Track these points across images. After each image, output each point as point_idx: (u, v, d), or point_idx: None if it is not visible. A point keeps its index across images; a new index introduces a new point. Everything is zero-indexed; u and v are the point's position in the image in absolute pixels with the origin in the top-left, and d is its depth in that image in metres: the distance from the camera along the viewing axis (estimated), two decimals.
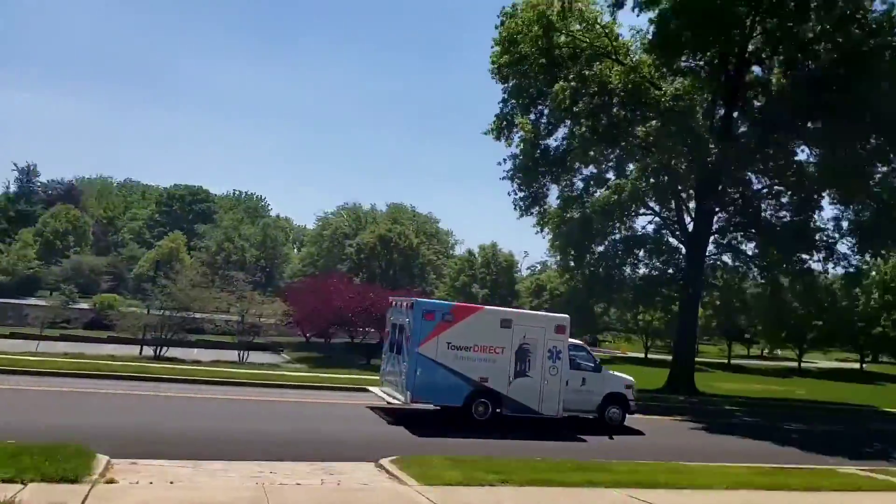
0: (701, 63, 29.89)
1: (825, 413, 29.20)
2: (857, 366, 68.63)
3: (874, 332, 60.22)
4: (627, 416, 17.42)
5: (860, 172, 27.49)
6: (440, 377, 14.88)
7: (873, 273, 40.51)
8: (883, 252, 33.73)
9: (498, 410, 15.49)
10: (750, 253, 34.36)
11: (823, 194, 30.55)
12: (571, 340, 16.99)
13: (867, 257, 32.59)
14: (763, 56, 30.12)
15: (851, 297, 46.87)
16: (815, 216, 31.87)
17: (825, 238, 31.81)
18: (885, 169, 29.54)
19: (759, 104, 30.74)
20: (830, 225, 31.99)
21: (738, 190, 31.84)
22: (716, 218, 32.67)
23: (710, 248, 33.58)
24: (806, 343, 64.44)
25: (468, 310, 16.55)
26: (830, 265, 32.67)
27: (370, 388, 17.93)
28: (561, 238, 33.53)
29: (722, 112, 31.08)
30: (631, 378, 18.16)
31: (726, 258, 35.56)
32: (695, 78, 29.75)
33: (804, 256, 31.63)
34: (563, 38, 30.01)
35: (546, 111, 32.56)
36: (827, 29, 25.74)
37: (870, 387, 52.30)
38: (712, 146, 27.08)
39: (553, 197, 33.86)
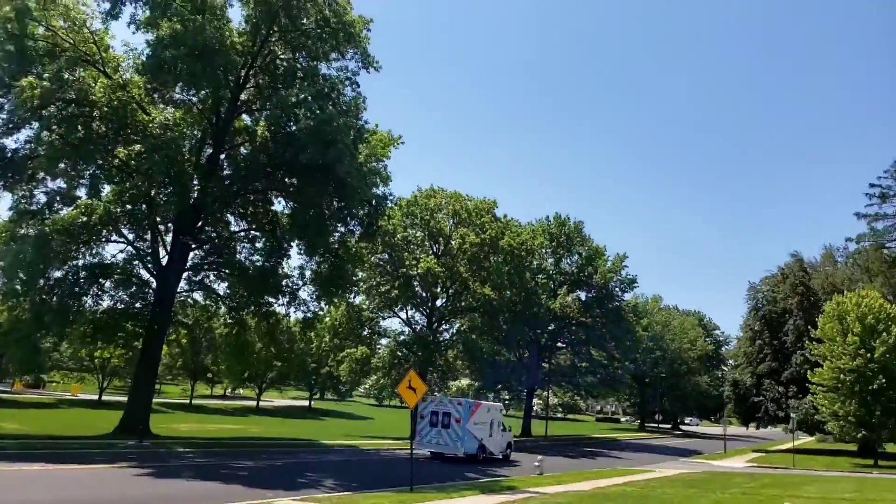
0: (195, 99, 31.22)
1: (274, 448, 32.86)
2: (307, 403, 79.20)
3: (323, 371, 70.99)
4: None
5: (323, 229, 32.71)
6: (468, 436, 30.14)
7: (326, 318, 47.96)
8: (335, 300, 40.61)
9: (481, 454, 31.07)
10: (221, 292, 36.74)
11: (293, 244, 35.08)
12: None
13: (322, 304, 38.60)
14: (254, 107, 33.43)
15: (307, 340, 54.54)
16: (284, 263, 36.25)
17: (290, 284, 36.41)
18: (343, 229, 35.96)
19: (245, 151, 33.72)
20: (296, 272, 36.83)
21: (217, 230, 33.96)
22: (191, 255, 33.90)
23: (183, 284, 34.55)
24: (266, 382, 71.32)
25: (478, 404, 32.75)
26: (292, 309, 37.49)
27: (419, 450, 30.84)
28: (8, 257, 29.46)
29: (210, 151, 32.86)
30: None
31: (198, 296, 37.14)
32: (187, 112, 30.91)
33: (270, 299, 35.58)
34: (40, 30, 27.33)
35: (8, 105, 28.73)
36: (308, 99, 30.22)
37: (316, 422, 61.04)
38: (196, 183, 28.35)
39: (4, 207, 29.70)
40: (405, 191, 61.21)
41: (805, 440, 71.06)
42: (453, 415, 30.19)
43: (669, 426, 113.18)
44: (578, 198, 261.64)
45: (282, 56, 33.37)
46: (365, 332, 52.22)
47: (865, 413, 39.71)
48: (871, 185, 49.71)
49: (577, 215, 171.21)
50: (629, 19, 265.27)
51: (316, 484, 20.99)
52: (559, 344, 68.09)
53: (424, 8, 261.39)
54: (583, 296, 65.64)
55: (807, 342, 46.74)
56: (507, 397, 78.81)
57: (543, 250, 65.25)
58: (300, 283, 36.64)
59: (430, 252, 51.91)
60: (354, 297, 48.11)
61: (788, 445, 53.66)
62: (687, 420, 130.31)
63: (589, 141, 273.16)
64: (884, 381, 38.85)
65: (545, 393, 73.95)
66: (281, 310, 37.38)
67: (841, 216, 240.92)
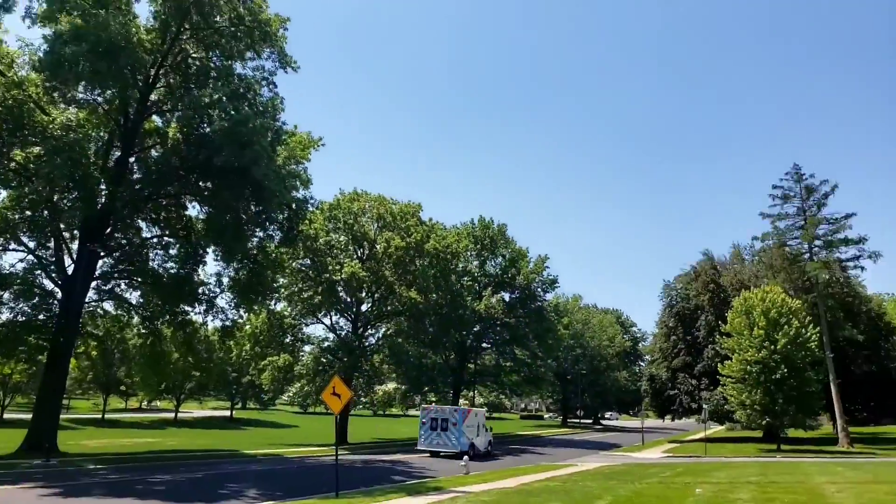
0: (100, 99, 29.73)
1: (193, 461, 31.66)
2: (228, 413, 76.90)
3: (244, 380, 69.12)
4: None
5: (241, 234, 31.77)
6: (463, 437, 36.10)
7: (247, 326, 46.67)
8: (255, 308, 39.52)
9: (472, 452, 34.95)
10: (134, 301, 35.09)
11: (209, 250, 33.91)
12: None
13: (242, 311, 37.47)
14: (165, 108, 32.09)
15: (226, 349, 52.92)
16: (200, 270, 35.01)
17: (207, 291, 35.18)
18: (261, 233, 35.02)
19: (156, 154, 32.36)
20: (213, 280, 35.62)
21: (128, 236, 32.44)
22: (100, 263, 32.25)
23: (91, 294, 32.80)
24: (184, 393, 68.79)
25: (469, 410, 38.94)
26: (210, 318, 36.21)
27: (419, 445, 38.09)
28: None
29: (118, 154, 31.38)
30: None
31: (108, 306, 35.38)
32: (92, 112, 29.39)
33: (187, 308, 34.25)
34: None
35: None
36: (223, 99, 29.29)
37: (238, 432, 59.30)
38: (103, 187, 27.01)
39: None
40: (327, 195, 60.74)
41: (716, 429, 74.39)
42: (450, 420, 37.29)
43: (591, 421, 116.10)
44: (502, 200, 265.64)
45: (194, 55, 32.22)
46: (287, 340, 51.10)
47: (769, 401, 41.91)
48: (774, 187, 52.46)
49: (500, 217, 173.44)
50: (548, 19, 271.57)
51: (238, 495, 20.37)
52: (484, 344, 68.79)
53: (346, 10, 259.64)
54: (507, 297, 66.57)
55: (717, 336, 48.89)
56: (433, 399, 79.00)
57: (468, 253, 65.80)
58: (217, 290, 35.50)
59: (355, 256, 51.32)
60: (275, 304, 46.98)
61: (701, 435, 55.95)
62: (607, 414, 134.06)
63: (511, 143, 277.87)
64: (786, 370, 41.11)
65: (471, 393, 74.47)
66: (198, 318, 36.07)
67: (749, 216, 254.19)
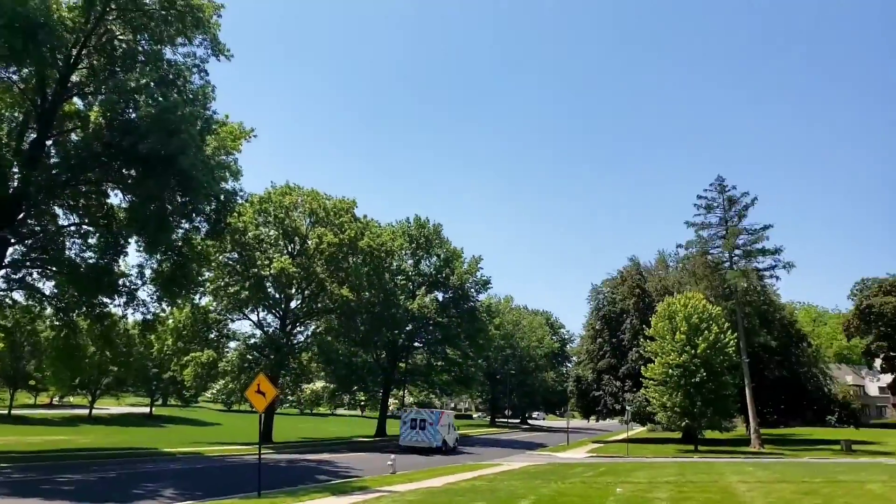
0: (15, 77, 28.09)
1: (107, 459, 30.39)
2: (147, 410, 74.16)
3: (165, 376, 66.75)
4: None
5: (166, 225, 30.57)
6: (438, 436, 41.76)
7: (169, 321, 45.03)
8: (179, 301, 38.13)
9: (444, 447, 41.90)
10: (47, 292, 33.34)
11: (131, 240, 32.49)
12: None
13: (164, 305, 36.09)
14: (87, 91, 30.55)
15: (147, 344, 50.92)
16: (121, 261, 33.48)
17: (128, 284, 33.71)
18: (187, 225, 33.79)
19: (77, 138, 30.76)
20: (134, 271, 34.13)
21: (42, 223, 30.76)
22: (11, 250, 30.44)
23: (0, 283, 31.01)
24: (100, 389, 65.91)
25: (442, 412, 44.75)
26: (130, 311, 34.72)
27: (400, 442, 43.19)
28: None
29: (34, 136, 29.68)
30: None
31: (18, 296, 33.43)
32: (5, 91, 27.72)
33: (105, 300, 32.73)
34: None
35: None
36: (150, 84, 28.15)
37: (157, 429, 57.26)
38: (16, 170, 25.53)
39: None
40: (259, 188, 59.22)
41: (638, 430, 76.68)
42: (427, 420, 43.37)
43: (518, 421, 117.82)
44: (437, 200, 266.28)
45: (121, 37, 30.77)
46: (212, 335, 49.60)
47: (689, 404, 43.49)
48: (699, 197, 54.50)
49: (436, 218, 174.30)
50: (483, 21, 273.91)
51: (154, 495, 19.69)
52: (416, 344, 68.71)
53: (283, 3, 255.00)
54: (440, 296, 66.69)
55: (642, 340, 50.39)
56: (362, 398, 78.45)
57: (403, 252, 65.60)
58: (139, 282, 34.04)
59: (285, 252, 50.27)
60: (200, 299, 45.54)
61: (623, 436, 57.56)
62: (534, 414, 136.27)
63: (447, 145, 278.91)
64: (705, 374, 42.76)
65: (401, 392, 74.30)
66: (118, 311, 34.52)
67: (676, 224, 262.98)
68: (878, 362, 64.12)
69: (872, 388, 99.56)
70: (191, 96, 30.42)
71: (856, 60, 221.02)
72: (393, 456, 28.90)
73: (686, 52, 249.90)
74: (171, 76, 29.66)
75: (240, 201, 36.96)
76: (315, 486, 22.00)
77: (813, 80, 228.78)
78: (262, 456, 22.48)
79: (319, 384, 70.83)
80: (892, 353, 59.19)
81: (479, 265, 68.91)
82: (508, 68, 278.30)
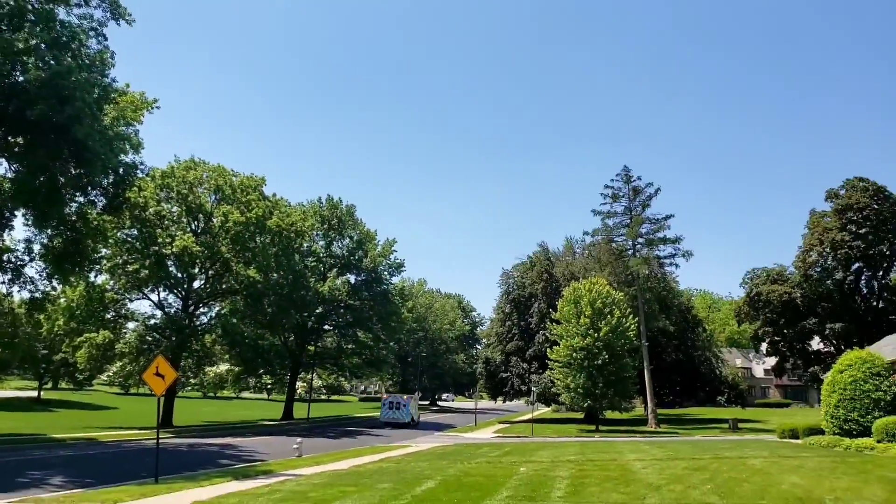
0: None
1: None
2: (35, 393, 70.03)
3: (56, 358, 63.17)
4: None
5: (58, 198, 28.83)
6: (409, 414, 53.84)
7: (61, 300, 42.60)
8: (72, 279, 36.13)
9: (412, 422, 53.98)
10: None
11: (17, 213, 30.49)
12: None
13: (55, 283, 34.12)
14: None
15: (35, 324, 47.97)
16: (6, 235, 31.38)
17: (14, 259, 31.67)
18: (82, 199, 32.00)
19: None
20: (21, 246, 32.10)
21: None
22: None
23: None
24: None
25: (411, 397, 57.50)
26: (16, 288, 32.66)
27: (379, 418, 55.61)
28: None
29: None
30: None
31: None
32: None
33: None
34: None
35: None
36: (42, 47, 26.33)
37: (46, 414, 54.24)
38: None
39: None
40: (161, 162, 56.39)
41: (543, 411, 79.13)
42: (402, 403, 54.88)
43: (428, 402, 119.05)
44: (350, 181, 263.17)
45: None
46: (109, 316, 47.32)
47: (591, 385, 45.22)
48: (606, 186, 56.28)
49: (349, 199, 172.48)
50: (397, 5, 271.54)
51: (40, 483, 18.69)
52: (326, 327, 68.07)
53: None
54: (352, 279, 66.27)
55: (548, 323, 51.90)
56: (269, 381, 76.99)
57: (314, 233, 64.59)
58: (27, 258, 32.05)
59: (188, 229, 48.43)
60: (96, 277, 43.37)
61: (529, 416, 59.29)
62: (444, 396, 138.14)
63: (360, 125, 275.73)
64: (607, 356, 44.55)
65: (310, 375, 73.49)
66: (2, 289, 32.41)
67: (583, 212, 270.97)
68: (763, 346, 68.74)
69: (758, 371, 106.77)
70: (87, 62, 28.65)
71: (754, 53, 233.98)
72: (299, 439, 28.61)
73: (598, 46, 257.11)
74: (64, 39, 27.79)
75: (140, 175, 35.48)
76: (217, 471, 21.50)
77: (712, 77, 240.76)
78: (162, 441, 21.82)
79: (224, 367, 68.91)
80: (776, 338, 63.42)
81: (392, 248, 68.90)
82: (424, 52, 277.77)
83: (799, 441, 29.67)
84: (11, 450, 28.13)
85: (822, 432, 27.83)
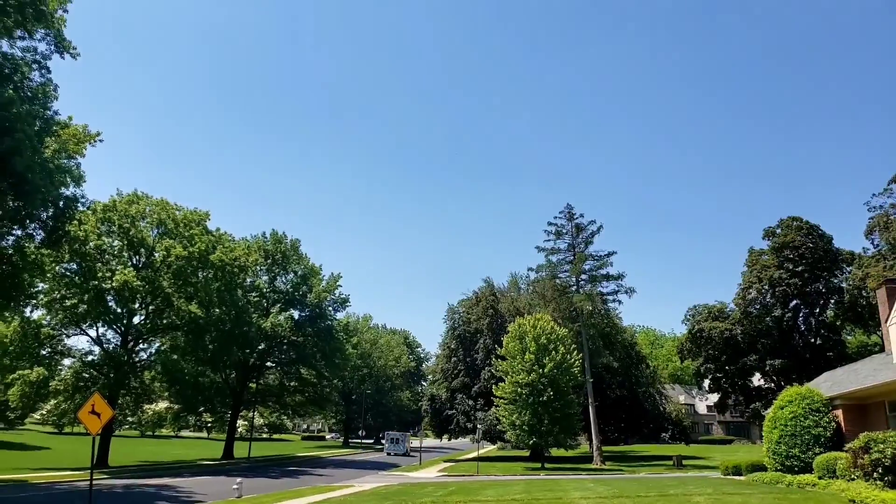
0: None
1: None
2: None
3: None
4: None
5: None
6: (405, 447, 74.12)
7: None
8: (6, 314, 35.08)
9: (406, 453, 72.34)
10: None
11: None
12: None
13: None
14: None
15: None
16: None
17: None
18: (19, 232, 31.39)
19: None
20: None
21: None
22: None
23: None
24: None
25: (406, 434, 79.34)
26: None
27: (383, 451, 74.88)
28: None
29: None
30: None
31: None
32: None
33: None
34: None
35: None
36: None
37: None
38: None
39: None
40: (104, 196, 55.23)
41: (488, 448, 79.27)
42: (400, 438, 74.37)
43: (372, 441, 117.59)
44: (293, 218, 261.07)
45: None
46: (44, 352, 45.82)
47: (536, 422, 45.78)
48: (549, 223, 57.91)
49: (294, 233, 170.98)
50: (348, 24, 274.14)
51: None
52: (268, 363, 67.12)
53: (134, 7, 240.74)
54: (296, 314, 65.74)
55: (494, 359, 52.47)
56: (209, 419, 75.12)
57: (258, 268, 64.03)
58: None
59: (129, 264, 47.58)
60: (32, 312, 42.16)
61: (474, 454, 59.34)
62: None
63: (307, 164, 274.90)
64: (552, 393, 45.27)
65: (251, 413, 72.09)
66: None
67: (527, 248, 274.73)
68: (706, 382, 70.71)
69: (701, 407, 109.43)
70: (30, 94, 28.53)
71: (693, 89, 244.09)
72: (239, 479, 28.26)
73: (539, 88, 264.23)
74: (7, 70, 27.62)
75: (81, 208, 34.99)
76: None
77: (653, 110, 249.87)
78: (97, 482, 21.37)
79: (163, 405, 67.04)
80: (718, 374, 65.44)
81: (338, 283, 68.84)
82: (369, 88, 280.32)
83: (742, 477, 30.47)
84: None
85: (764, 469, 28.49)
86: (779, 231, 62.51)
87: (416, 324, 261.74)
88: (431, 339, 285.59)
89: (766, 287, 60.99)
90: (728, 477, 32.67)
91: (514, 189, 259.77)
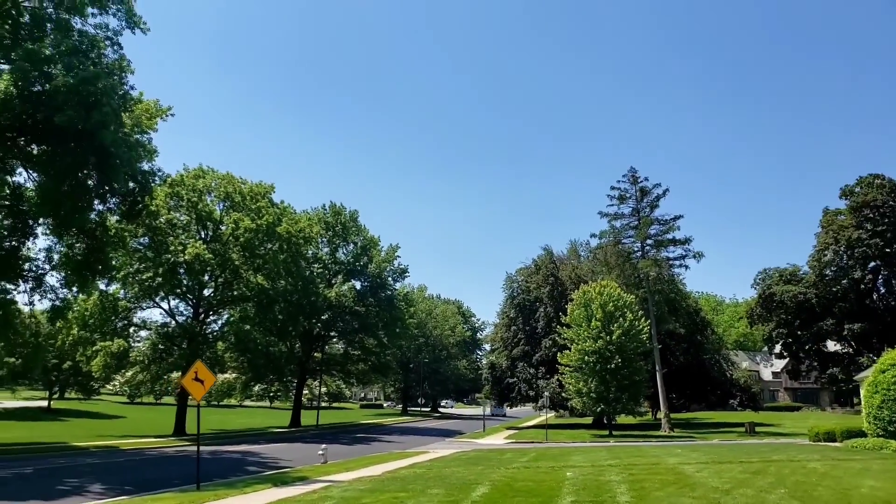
0: None
1: (14, 455, 28.66)
2: (45, 403, 69.80)
3: (65, 367, 62.97)
4: None
5: (80, 206, 28.79)
6: (505, 411, 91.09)
7: (76, 308, 42.50)
8: (88, 288, 36.06)
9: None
10: None
11: (40, 222, 30.48)
12: None
13: (74, 291, 34.06)
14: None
15: (51, 333, 47.81)
16: (29, 244, 31.31)
17: (35, 269, 31.66)
18: (101, 207, 31.98)
19: None
20: (42, 255, 32.09)
21: None
22: None
23: None
24: None
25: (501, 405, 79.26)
26: (37, 297, 32.61)
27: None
28: None
29: None
30: None
31: None
32: None
33: (9, 286, 30.56)
34: None
35: None
36: (64, 52, 26.38)
37: (58, 423, 54.00)
38: None
39: None
40: (170, 171, 56.13)
41: (544, 417, 79.24)
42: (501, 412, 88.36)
43: (429, 409, 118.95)
44: (352, 187, 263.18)
45: (26, 3, 28.63)
46: (120, 324, 47.24)
47: (604, 389, 45.20)
48: (612, 188, 56.49)
49: (352, 204, 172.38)
50: (416, 12, 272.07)
51: (81, 490, 18.81)
52: (332, 333, 68.07)
53: None
54: (357, 285, 66.30)
55: (556, 326, 51.90)
56: (275, 388, 76.93)
57: (319, 239, 64.69)
58: (46, 267, 32.03)
59: (198, 237, 48.43)
60: (108, 286, 43.27)
61: (535, 422, 59.28)
62: (443, 402, 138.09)
63: (365, 134, 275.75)
64: (619, 360, 44.56)
65: (316, 382, 73.53)
66: (23, 298, 32.29)
67: (588, 216, 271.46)
68: (777, 348, 68.86)
69: (766, 374, 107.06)
70: (106, 69, 28.74)
71: (760, 60, 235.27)
72: (324, 445, 28.71)
73: (600, 50, 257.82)
74: (84, 47, 27.85)
75: (157, 182, 35.45)
76: (251, 478, 21.62)
77: (718, 79, 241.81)
78: (182, 448, 21.89)
79: (233, 375, 68.82)
80: (789, 340, 63.60)
81: (396, 253, 69.11)
82: (426, 62, 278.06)
83: (838, 444, 29.26)
84: (37, 458, 28.17)
85: (863, 434, 27.42)
86: (858, 189, 59.73)
87: (468, 294, 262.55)
88: (484, 308, 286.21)
89: (844, 248, 58.53)
90: (820, 444, 31.51)
91: (572, 155, 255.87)
